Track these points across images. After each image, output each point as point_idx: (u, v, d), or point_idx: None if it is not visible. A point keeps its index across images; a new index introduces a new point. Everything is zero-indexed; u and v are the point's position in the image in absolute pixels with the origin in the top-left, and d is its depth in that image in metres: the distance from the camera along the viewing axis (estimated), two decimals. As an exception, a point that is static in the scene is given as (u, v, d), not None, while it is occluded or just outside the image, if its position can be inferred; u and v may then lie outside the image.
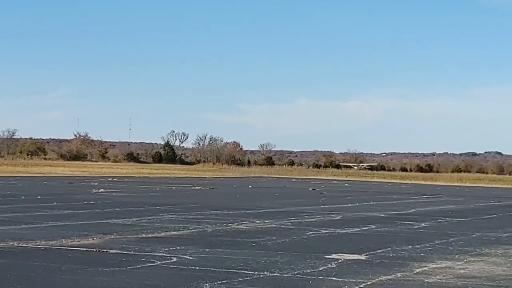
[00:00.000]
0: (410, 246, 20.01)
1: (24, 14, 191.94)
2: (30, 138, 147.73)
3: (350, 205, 38.94)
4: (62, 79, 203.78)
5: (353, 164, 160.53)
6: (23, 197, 36.25)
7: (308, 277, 14.39)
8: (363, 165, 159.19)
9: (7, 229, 21.30)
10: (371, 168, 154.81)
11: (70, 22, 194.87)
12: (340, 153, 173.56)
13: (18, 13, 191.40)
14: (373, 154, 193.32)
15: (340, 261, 16.66)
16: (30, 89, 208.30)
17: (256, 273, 14.56)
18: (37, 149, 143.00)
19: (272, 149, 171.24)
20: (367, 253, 18.22)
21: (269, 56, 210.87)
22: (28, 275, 13.61)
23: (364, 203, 40.74)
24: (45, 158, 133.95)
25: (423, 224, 27.79)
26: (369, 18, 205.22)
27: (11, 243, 17.86)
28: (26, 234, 20.15)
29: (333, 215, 30.83)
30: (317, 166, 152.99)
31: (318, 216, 30.04)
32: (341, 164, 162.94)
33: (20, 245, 17.72)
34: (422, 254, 18.45)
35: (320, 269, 15.41)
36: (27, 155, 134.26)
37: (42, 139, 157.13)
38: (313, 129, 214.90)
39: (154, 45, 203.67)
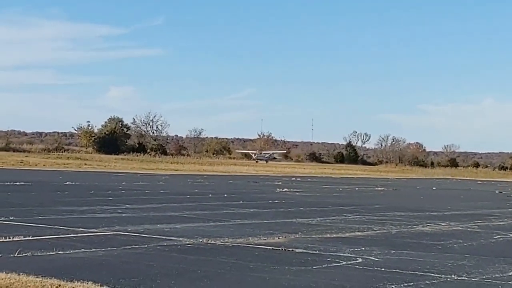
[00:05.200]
0: None
1: (222, 16, 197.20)
2: (216, 138, 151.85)
3: (540, 209, 37.47)
4: (248, 80, 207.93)
5: (253, 152, 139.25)
6: (210, 195, 37.33)
7: (497, 281, 13.97)
8: (267, 154, 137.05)
9: (196, 226, 22.02)
10: (277, 157, 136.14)
11: (257, 24, 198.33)
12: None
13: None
14: None
15: (531, 266, 16.06)
16: (217, 90, 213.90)
17: (443, 276, 14.29)
18: (222, 148, 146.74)
19: (456, 151, 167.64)
20: (560, 259, 17.45)
21: (453, 56, 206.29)
22: (217, 272, 13.99)
23: (555, 207, 39.06)
24: (230, 157, 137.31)
25: None
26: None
27: (200, 240, 18.41)
28: (214, 231, 20.74)
29: (522, 219, 29.76)
30: (503, 168, 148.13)
31: (506, 220, 29.11)
32: (237, 151, 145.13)
33: (208, 242, 18.23)
34: None
35: (510, 274, 14.94)
36: (213, 154, 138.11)
37: (227, 139, 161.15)
38: (499, 131, 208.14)
39: (336, 46, 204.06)
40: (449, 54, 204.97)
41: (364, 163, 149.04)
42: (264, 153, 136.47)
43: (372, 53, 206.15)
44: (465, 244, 20.02)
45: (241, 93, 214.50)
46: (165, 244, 17.50)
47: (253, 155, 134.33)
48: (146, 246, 16.97)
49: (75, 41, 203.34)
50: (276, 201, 35.22)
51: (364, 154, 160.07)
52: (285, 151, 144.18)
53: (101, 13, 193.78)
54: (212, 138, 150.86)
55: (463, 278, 14.22)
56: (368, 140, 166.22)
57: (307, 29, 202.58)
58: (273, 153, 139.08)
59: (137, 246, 16.80)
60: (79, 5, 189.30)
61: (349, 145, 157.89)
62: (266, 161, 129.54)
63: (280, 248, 17.46)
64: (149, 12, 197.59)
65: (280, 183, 56.29)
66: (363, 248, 17.94)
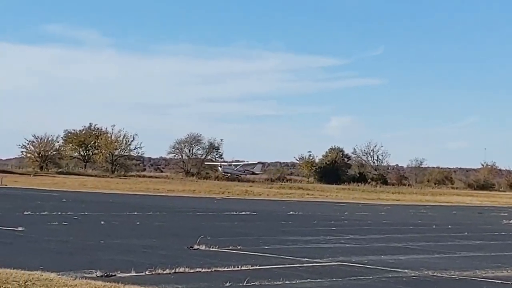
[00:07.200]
0: None
1: (441, 44, 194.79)
2: (438, 167, 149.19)
3: None
4: (470, 107, 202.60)
5: (220, 164, 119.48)
6: (434, 226, 36.67)
7: None
8: (238, 165, 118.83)
9: (421, 258, 21.70)
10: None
11: (478, 52, 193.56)
12: None
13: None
14: None
15: None
16: (438, 118, 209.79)
17: None
18: (444, 178, 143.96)
19: None
20: None
21: None
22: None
23: None
24: (452, 187, 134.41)
25: None
26: None
27: (426, 272, 18.12)
28: (439, 263, 20.35)
29: None
30: None
31: None
32: (206, 163, 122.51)
33: (434, 274, 17.91)
34: None
35: None
36: (434, 184, 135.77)
37: (449, 168, 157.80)
38: None
39: None
40: None
41: None
42: (234, 165, 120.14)
43: None
44: None
45: (463, 121, 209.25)
46: (390, 275, 17.37)
47: (219, 167, 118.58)
48: (371, 277, 16.93)
49: (297, 72, 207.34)
50: (503, 233, 34.06)
51: None
52: (258, 162, 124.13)
53: (322, 45, 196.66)
54: (433, 167, 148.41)
55: None
56: None
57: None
58: (244, 164, 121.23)
59: (362, 277, 16.80)
60: (301, 37, 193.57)
61: None
62: (238, 175, 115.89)
63: (509, 282, 16.87)
64: (369, 42, 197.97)
65: (506, 214, 54.31)
66: None
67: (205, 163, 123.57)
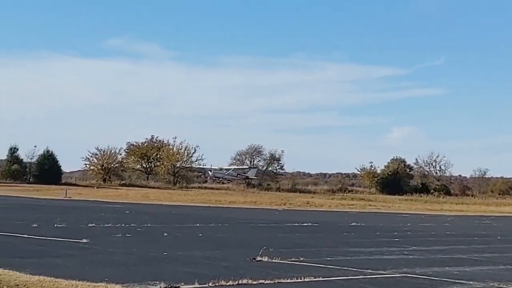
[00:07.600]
0: None
1: (502, 53, 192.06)
2: (502, 177, 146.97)
3: None
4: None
5: (210, 168, 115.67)
6: (498, 237, 36.14)
7: None
8: (229, 169, 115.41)
9: (486, 269, 21.41)
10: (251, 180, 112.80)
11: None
12: None
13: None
14: None
15: None
16: (502, 127, 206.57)
17: None
18: (509, 188, 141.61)
19: None
20: None
21: None
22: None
23: None
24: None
25: None
26: None
27: (491, 284, 17.90)
28: (505, 275, 20.05)
29: None
30: None
31: None
32: (198, 166, 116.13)
33: (500, 286, 17.67)
34: None
35: None
36: (499, 194, 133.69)
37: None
38: None
39: None
40: None
41: None
42: (225, 169, 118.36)
43: None
44: None
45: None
46: (455, 287, 17.16)
47: (209, 171, 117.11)
48: (435, 289, 16.77)
49: (357, 83, 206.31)
50: None
51: None
52: (250, 167, 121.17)
53: (384, 55, 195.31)
54: (497, 178, 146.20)
55: None
56: None
57: None
58: (236, 168, 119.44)
59: (426, 289, 16.66)
60: (362, 47, 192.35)
61: None
62: (229, 180, 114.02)
63: None
64: (430, 52, 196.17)
65: None
66: None
67: (193, 166, 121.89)
